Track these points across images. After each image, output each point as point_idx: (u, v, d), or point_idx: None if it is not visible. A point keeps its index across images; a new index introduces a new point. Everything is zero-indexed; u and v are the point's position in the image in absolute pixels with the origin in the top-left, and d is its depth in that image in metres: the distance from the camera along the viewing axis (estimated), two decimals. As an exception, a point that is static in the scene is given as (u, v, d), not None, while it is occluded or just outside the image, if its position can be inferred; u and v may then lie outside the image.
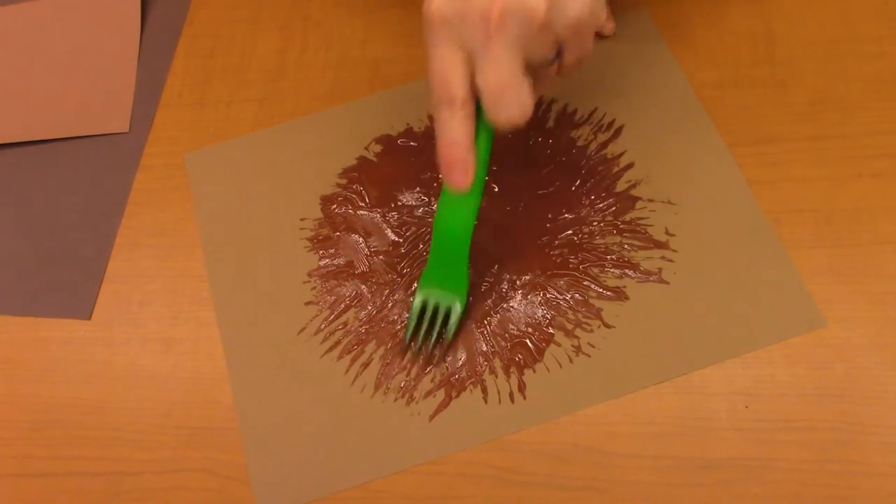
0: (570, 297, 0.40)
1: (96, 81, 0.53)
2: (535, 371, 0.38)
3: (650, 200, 0.41)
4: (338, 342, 0.41)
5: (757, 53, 0.45)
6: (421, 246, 0.42)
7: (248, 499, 0.38)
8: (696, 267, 0.39)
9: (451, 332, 0.39)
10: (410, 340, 0.39)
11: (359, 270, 0.42)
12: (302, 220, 0.45)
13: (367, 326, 0.41)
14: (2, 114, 0.53)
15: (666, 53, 0.45)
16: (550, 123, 0.45)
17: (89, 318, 0.44)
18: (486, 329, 0.40)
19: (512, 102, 0.31)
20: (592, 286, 0.40)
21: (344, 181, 0.45)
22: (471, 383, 0.39)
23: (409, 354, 0.39)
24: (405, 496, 0.37)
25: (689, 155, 0.42)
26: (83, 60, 0.54)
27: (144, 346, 0.43)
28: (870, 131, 0.42)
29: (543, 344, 0.39)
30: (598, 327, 0.39)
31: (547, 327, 0.39)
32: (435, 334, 0.39)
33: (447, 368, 0.39)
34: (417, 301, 0.39)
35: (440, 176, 0.34)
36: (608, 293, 0.39)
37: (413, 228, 0.43)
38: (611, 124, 0.44)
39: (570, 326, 0.39)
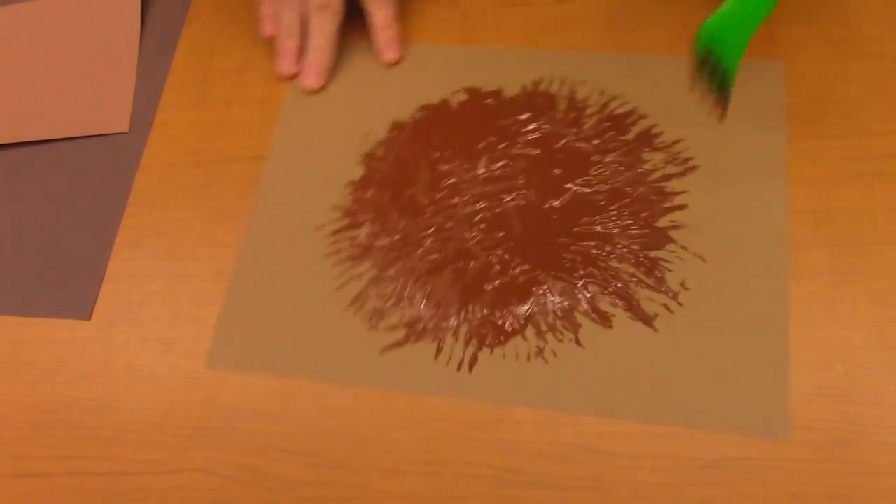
0: (559, 302, 0.40)
1: (96, 81, 0.53)
2: (491, 353, 0.39)
3: (683, 248, 0.40)
4: (341, 250, 0.43)
5: (757, 53, 0.45)
6: (456, 199, 0.43)
7: (248, 499, 0.38)
8: (691, 330, 0.38)
9: (729, 89, 0.38)
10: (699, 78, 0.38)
11: (390, 199, 0.44)
12: (367, 134, 0.47)
13: (370, 248, 0.43)
14: (2, 114, 0.53)
15: (777, 114, 0.43)
16: (630, 136, 0.44)
17: (89, 318, 0.44)
18: (472, 297, 0.41)
19: None
20: (583, 302, 0.40)
21: (420, 115, 0.47)
22: (431, 337, 0.40)
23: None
24: (405, 496, 0.37)
25: (747, 224, 0.40)
26: (83, 60, 0.54)
27: (144, 346, 0.43)
28: (870, 131, 0.42)
29: (512, 332, 0.39)
30: (570, 341, 0.39)
31: (523, 319, 0.40)
32: (716, 82, 0.38)
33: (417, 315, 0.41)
34: (703, 47, 0.36)
35: None
36: (594, 315, 0.39)
37: (454, 180, 0.44)
38: (686, 161, 0.42)
39: (544, 328, 0.39)
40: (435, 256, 0.42)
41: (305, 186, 0.46)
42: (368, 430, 0.39)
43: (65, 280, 0.46)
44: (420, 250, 0.42)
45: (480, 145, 0.45)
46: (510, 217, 0.42)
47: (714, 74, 0.37)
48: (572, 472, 0.36)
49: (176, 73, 0.52)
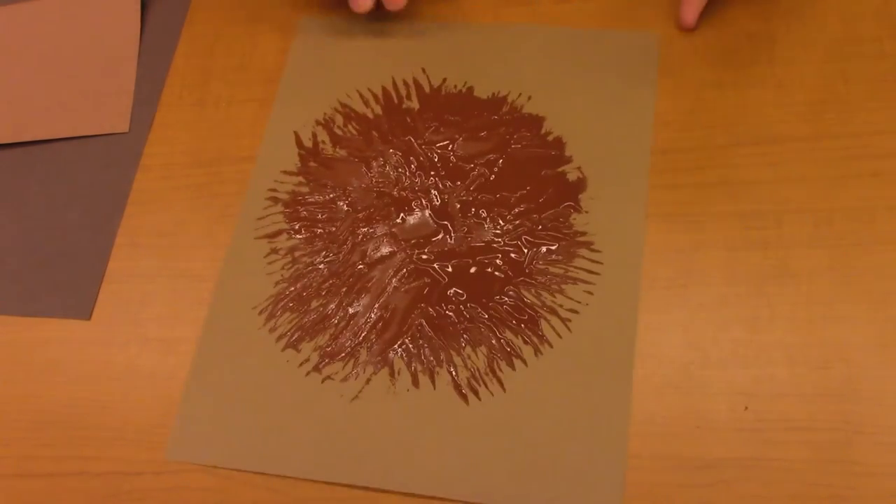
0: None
1: (96, 81, 0.53)
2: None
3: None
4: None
5: (757, 53, 0.45)
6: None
7: (248, 499, 0.38)
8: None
9: None
10: None
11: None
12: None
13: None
14: (2, 114, 0.53)
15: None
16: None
17: (89, 318, 0.44)
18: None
19: None
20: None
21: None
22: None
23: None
24: (405, 496, 0.37)
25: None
26: (83, 60, 0.54)
27: (144, 346, 0.43)
28: (870, 131, 0.42)
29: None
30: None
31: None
32: None
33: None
34: None
35: None
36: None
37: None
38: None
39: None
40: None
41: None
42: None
43: (65, 280, 0.46)
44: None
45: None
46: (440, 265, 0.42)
47: None
48: (572, 472, 0.36)
49: (176, 73, 0.52)
